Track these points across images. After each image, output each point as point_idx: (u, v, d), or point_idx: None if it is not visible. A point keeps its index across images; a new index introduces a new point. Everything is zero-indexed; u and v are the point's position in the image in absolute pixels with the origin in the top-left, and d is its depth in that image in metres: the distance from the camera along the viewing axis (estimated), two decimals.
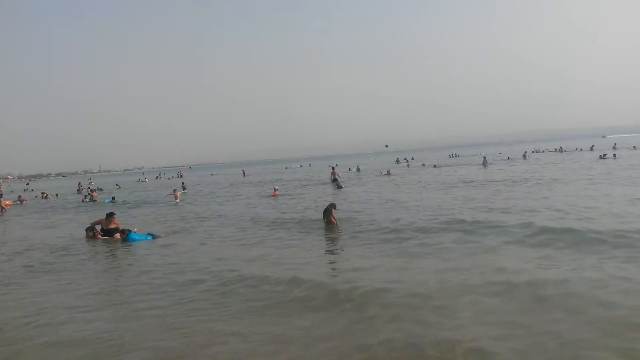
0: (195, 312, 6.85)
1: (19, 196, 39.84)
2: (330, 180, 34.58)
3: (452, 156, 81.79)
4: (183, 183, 42.66)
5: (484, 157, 47.95)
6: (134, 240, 13.48)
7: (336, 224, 13.38)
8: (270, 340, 5.66)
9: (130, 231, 13.96)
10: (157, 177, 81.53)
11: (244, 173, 68.93)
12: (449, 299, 6.67)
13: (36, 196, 43.31)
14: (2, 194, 35.69)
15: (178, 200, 27.05)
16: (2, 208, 29.39)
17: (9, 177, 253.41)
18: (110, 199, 31.35)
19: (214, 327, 6.17)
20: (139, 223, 17.57)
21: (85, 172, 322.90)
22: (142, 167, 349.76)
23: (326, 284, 7.78)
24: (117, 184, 59.21)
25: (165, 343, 5.77)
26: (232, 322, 6.36)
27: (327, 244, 11.94)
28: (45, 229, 19.06)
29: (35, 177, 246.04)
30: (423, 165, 54.06)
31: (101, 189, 48.68)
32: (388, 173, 39.75)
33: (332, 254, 10.87)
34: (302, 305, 6.86)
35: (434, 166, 48.90)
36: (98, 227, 14.73)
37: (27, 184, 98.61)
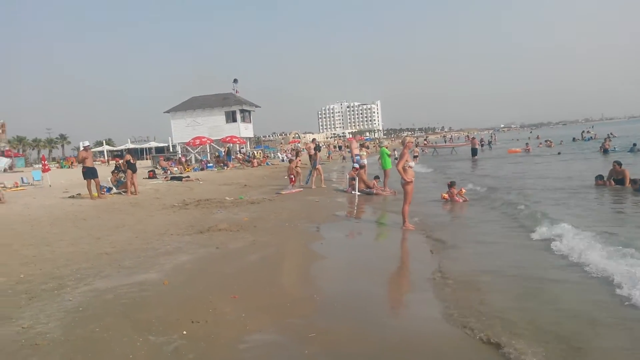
0: None
1: (526, 144, 42.74)
2: None
3: None
4: None
5: None
6: None
7: None
8: None
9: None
10: None
11: None
12: None
13: (540, 144, 45.51)
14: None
15: None
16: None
17: (512, 126, 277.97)
18: (632, 147, 29.11)
19: None
20: None
21: (586, 120, 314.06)
22: None
23: None
24: (610, 133, 52.46)
25: None
26: None
27: None
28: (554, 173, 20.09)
29: (536, 125, 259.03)
30: None
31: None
32: None
33: None
34: None
35: None
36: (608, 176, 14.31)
37: (531, 132, 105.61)
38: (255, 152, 46.52)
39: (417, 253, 8.12)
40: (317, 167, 18.94)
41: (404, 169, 9.90)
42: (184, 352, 4.21)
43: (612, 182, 13.85)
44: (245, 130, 46.79)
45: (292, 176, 18.45)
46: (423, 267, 7.00)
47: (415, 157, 37.27)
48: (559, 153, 33.17)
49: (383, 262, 7.62)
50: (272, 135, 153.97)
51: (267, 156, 46.59)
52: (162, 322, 4.89)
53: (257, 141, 73.66)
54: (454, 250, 7.92)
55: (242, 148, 46.13)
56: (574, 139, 47.92)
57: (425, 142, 66.21)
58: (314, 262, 7.41)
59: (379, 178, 16.91)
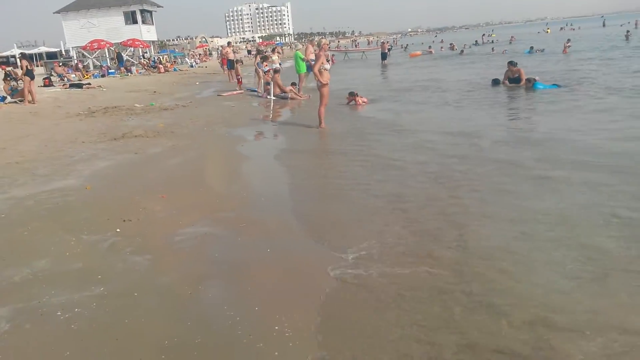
0: None
1: (429, 47, 44.54)
2: None
3: None
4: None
5: None
6: (539, 88, 13.57)
7: None
8: None
9: (535, 80, 14.02)
10: (561, 29, 75.13)
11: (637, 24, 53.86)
12: None
13: (441, 47, 47.08)
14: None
15: None
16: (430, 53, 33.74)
17: (419, 30, 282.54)
18: (529, 49, 30.98)
19: None
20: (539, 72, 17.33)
21: (487, 24, 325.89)
22: (546, 18, 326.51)
23: None
24: (512, 37, 55.37)
25: None
26: None
27: None
28: (454, 71, 21.12)
29: (441, 29, 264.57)
30: None
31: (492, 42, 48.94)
32: None
33: None
34: None
35: None
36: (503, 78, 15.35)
37: (435, 35, 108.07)
38: (162, 58, 43.82)
39: (332, 151, 8.55)
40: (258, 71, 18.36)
41: (320, 72, 10.04)
42: (120, 247, 4.38)
43: (507, 82, 14.94)
44: (147, 32, 43.53)
45: (240, 77, 20.51)
46: (337, 162, 7.48)
47: (328, 60, 37.02)
48: (461, 52, 35.54)
49: (303, 159, 7.99)
50: (177, 39, 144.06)
51: (175, 62, 44.16)
52: (92, 223, 4.96)
53: (161, 45, 68.87)
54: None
55: (146, 52, 43.23)
56: (476, 42, 49.95)
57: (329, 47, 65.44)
58: (238, 163, 7.62)
59: (295, 84, 16.92)
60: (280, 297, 3.47)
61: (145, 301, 3.46)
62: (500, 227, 4.46)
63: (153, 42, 47.41)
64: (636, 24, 51.61)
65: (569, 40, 30.76)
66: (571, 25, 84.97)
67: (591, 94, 12.37)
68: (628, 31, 37.28)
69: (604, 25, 70.00)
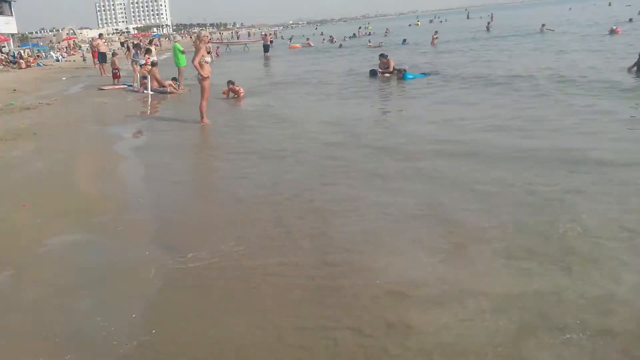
0: None
1: (307, 39, 45.23)
2: None
3: None
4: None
5: None
6: (408, 78, 14.45)
7: None
8: None
9: (405, 71, 14.91)
10: (430, 21, 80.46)
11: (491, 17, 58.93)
12: None
13: (323, 40, 47.99)
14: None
15: None
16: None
17: (299, 22, 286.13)
18: (402, 41, 32.67)
19: None
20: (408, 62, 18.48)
21: (364, 16, 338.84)
22: (417, 11, 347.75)
23: None
24: (387, 29, 58.34)
25: None
26: None
27: None
28: (334, 63, 21.69)
29: (321, 22, 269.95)
30: None
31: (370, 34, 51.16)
32: None
33: None
34: None
35: None
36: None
37: (316, 28, 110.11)
38: (22, 52, 39.70)
39: (213, 146, 8.43)
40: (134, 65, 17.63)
41: (200, 65, 9.75)
42: None
43: (381, 73, 15.74)
44: (5, 25, 39.28)
45: (117, 70, 18.96)
46: (219, 157, 7.40)
47: (209, 52, 35.90)
48: (340, 46, 36.54)
49: (183, 156, 7.78)
50: (41, 32, 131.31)
51: (38, 56, 40.26)
52: None
53: (22, 38, 62.38)
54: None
55: (4, 46, 38.92)
56: (353, 35, 51.61)
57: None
58: (113, 163, 7.20)
59: (176, 79, 16.27)
60: (156, 301, 3.37)
61: (6, 321, 3.17)
62: (365, 211, 4.71)
63: (12, 35, 42.82)
64: (492, 17, 56.62)
65: (436, 32, 33.00)
66: (439, 17, 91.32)
67: (454, 82, 13.48)
68: (488, 23, 41.02)
69: (468, 17, 76.22)
